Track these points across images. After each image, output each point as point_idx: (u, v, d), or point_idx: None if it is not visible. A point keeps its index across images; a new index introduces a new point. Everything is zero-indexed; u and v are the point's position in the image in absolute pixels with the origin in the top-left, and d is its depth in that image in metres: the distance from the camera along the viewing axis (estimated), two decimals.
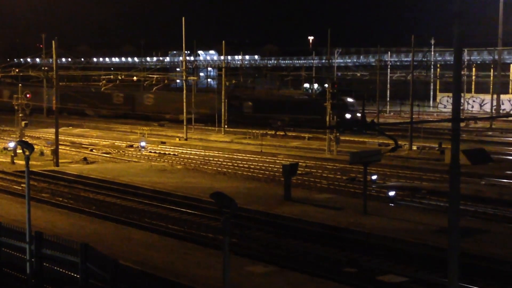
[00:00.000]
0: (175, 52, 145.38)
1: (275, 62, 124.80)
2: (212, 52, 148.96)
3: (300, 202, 31.42)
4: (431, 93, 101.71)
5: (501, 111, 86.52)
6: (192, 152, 56.18)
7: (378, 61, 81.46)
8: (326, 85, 64.95)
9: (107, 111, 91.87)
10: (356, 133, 65.07)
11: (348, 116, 70.51)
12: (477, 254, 22.19)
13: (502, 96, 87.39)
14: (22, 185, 37.61)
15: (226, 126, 72.15)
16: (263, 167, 46.65)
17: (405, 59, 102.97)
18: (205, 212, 30.38)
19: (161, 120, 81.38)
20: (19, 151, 45.57)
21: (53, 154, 46.35)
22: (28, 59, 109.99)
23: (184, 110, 68.97)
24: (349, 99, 75.42)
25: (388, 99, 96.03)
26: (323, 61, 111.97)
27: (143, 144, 57.87)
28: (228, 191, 20.30)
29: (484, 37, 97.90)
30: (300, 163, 40.52)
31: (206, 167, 47.41)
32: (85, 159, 50.19)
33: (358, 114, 73.16)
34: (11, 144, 49.01)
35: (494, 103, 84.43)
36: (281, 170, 35.20)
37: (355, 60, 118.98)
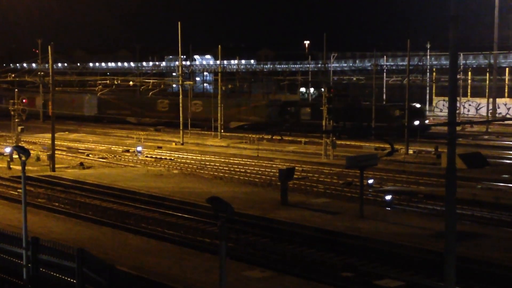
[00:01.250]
0: (171, 57, 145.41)
1: (271, 66, 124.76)
2: (208, 56, 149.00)
3: (297, 206, 31.42)
4: (427, 97, 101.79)
5: (497, 115, 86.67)
6: (188, 156, 56.15)
7: (374, 65, 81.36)
8: (322, 90, 65.01)
9: (151, 119, 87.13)
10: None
11: (416, 122, 69.04)
12: (473, 258, 22.19)
13: (498, 100, 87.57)
14: (18, 190, 37.56)
15: (222, 131, 72.14)
16: (260, 172, 46.65)
17: (401, 63, 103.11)
18: (202, 217, 30.34)
19: (209, 128, 74.93)
20: (15, 156, 45.50)
21: (50, 159, 46.26)
22: (24, 65, 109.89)
23: (181, 115, 68.88)
24: (417, 105, 74.78)
25: (384, 103, 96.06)
26: (319, 65, 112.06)
27: (139, 149, 57.83)
28: (224, 196, 20.31)
29: (480, 41, 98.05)
30: (296, 168, 40.55)
31: (202, 171, 47.40)
32: (81, 164, 50.12)
33: (427, 121, 72.03)
34: (7, 149, 48.93)
35: (490, 107, 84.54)
36: (277, 174, 35.19)
37: (351, 65, 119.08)
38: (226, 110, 74.83)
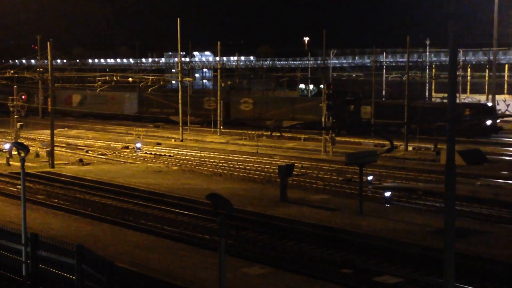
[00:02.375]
0: (170, 53, 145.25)
1: (270, 63, 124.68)
2: (207, 53, 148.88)
3: (296, 203, 31.42)
4: (427, 93, 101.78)
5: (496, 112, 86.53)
6: (188, 153, 56.15)
7: (373, 62, 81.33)
8: (322, 86, 64.82)
9: (196, 118, 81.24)
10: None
11: (488, 122, 66.59)
12: (472, 255, 22.21)
13: (497, 97, 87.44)
14: (17, 186, 37.56)
15: (221, 127, 72.11)
16: (259, 168, 46.65)
17: (401, 59, 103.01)
18: (201, 213, 30.35)
19: (261, 127, 70.78)
20: (14, 152, 45.51)
21: (49, 156, 46.26)
22: (23, 61, 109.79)
23: (180, 111, 68.85)
24: (489, 103, 73.12)
25: (383, 100, 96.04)
26: (319, 62, 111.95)
27: (138, 145, 57.82)
28: (224, 192, 20.32)
29: (479, 37, 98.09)
30: (296, 164, 40.56)
31: (202, 168, 47.40)
32: (80, 160, 50.12)
33: (498, 120, 70.33)
34: (7, 146, 48.91)
35: (490, 103, 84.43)
36: (277, 171, 35.19)
37: (350, 61, 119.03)
38: (277, 109, 71.55)
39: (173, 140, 66.24)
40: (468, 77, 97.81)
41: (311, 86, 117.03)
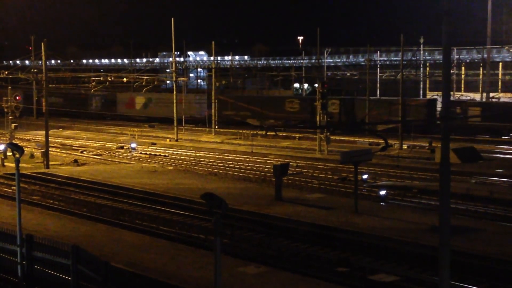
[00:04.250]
0: (164, 53, 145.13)
1: (265, 62, 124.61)
2: (202, 52, 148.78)
3: (291, 202, 31.44)
4: (421, 92, 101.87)
5: None
6: (183, 153, 56.14)
7: (367, 61, 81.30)
8: (316, 85, 64.69)
9: (276, 121, 77.59)
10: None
11: None
12: (468, 252, 22.24)
13: (492, 95, 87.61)
14: (12, 187, 37.48)
15: (216, 127, 72.10)
16: (254, 168, 46.66)
17: (395, 58, 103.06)
18: (196, 213, 30.35)
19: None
20: (9, 153, 45.37)
21: (44, 156, 46.20)
22: (17, 61, 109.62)
23: (175, 111, 68.82)
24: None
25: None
26: (313, 61, 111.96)
27: (133, 145, 57.78)
28: (219, 192, 20.30)
29: (473, 35, 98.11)
30: (291, 163, 40.58)
31: (197, 168, 47.39)
32: (75, 161, 50.06)
33: None
34: (1, 147, 48.73)
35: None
36: (272, 170, 35.20)
37: (344, 60, 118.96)
38: (364, 110, 67.60)
39: (168, 140, 66.21)
40: (462, 75, 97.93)
41: (306, 85, 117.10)
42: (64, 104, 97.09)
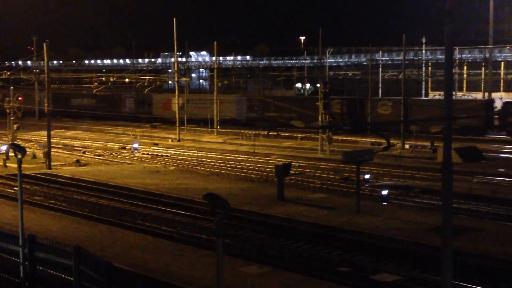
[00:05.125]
0: (166, 53, 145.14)
1: (266, 62, 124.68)
2: (203, 53, 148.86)
3: (294, 202, 31.43)
4: (423, 91, 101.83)
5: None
6: (185, 153, 56.14)
7: (369, 60, 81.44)
8: (318, 85, 64.65)
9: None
10: None
11: None
12: (470, 252, 22.23)
13: (494, 94, 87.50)
14: (14, 188, 37.49)
15: (218, 127, 72.08)
16: (256, 168, 46.65)
17: (397, 58, 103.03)
18: (199, 213, 30.35)
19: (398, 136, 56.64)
20: (11, 154, 45.43)
21: (46, 157, 46.22)
22: (20, 62, 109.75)
23: (177, 111, 68.81)
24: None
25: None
26: (315, 61, 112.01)
27: (135, 146, 57.78)
28: (221, 192, 20.31)
29: (475, 35, 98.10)
30: (293, 163, 40.55)
31: (199, 168, 47.39)
32: (77, 161, 50.07)
33: None
34: (3, 147, 48.82)
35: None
36: (274, 170, 35.18)
37: (346, 60, 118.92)
38: (421, 112, 64.87)
39: (170, 140, 66.22)
40: (464, 75, 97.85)
41: (308, 85, 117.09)
42: (97, 106, 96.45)
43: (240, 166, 47.45)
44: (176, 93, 70.47)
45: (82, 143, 65.51)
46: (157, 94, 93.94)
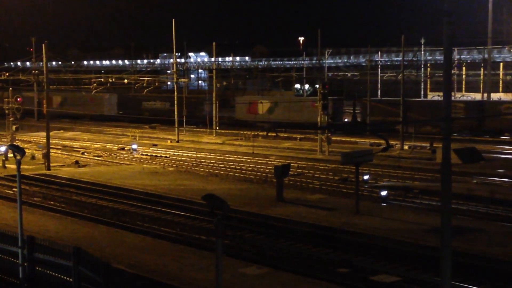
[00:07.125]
0: (165, 54, 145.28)
1: (265, 63, 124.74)
2: (202, 54, 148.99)
3: (293, 203, 31.43)
4: (422, 92, 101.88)
5: None
6: (184, 154, 56.12)
7: (368, 61, 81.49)
8: (317, 86, 64.61)
9: (433, 128, 63.53)
10: None
11: None
12: (469, 253, 22.23)
13: (493, 95, 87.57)
14: (13, 189, 37.47)
15: (217, 128, 72.07)
16: (255, 169, 46.64)
17: (396, 59, 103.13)
18: (198, 214, 30.35)
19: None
20: (10, 155, 45.41)
21: (45, 158, 46.19)
22: (18, 63, 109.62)
23: (175, 111, 68.79)
24: None
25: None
26: (314, 61, 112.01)
27: (134, 146, 57.75)
28: (220, 193, 20.32)
29: (474, 36, 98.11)
30: (292, 164, 40.56)
31: (198, 169, 47.38)
32: (76, 162, 50.04)
33: None
34: (2, 148, 48.73)
35: None
36: (273, 171, 35.18)
37: (345, 61, 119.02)
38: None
39: (169, 141, 66.18)
40: (463, 76, 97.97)
41: (307, 86, 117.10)
42: (170, 110, 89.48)
43: (239, 167, 47.45)
44: (175, 94, 70.41)
45: (81, 144, 65.47)
46: (240, 97, 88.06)
